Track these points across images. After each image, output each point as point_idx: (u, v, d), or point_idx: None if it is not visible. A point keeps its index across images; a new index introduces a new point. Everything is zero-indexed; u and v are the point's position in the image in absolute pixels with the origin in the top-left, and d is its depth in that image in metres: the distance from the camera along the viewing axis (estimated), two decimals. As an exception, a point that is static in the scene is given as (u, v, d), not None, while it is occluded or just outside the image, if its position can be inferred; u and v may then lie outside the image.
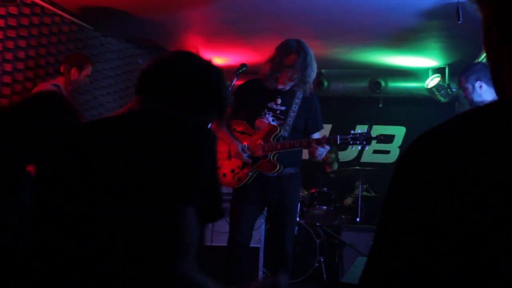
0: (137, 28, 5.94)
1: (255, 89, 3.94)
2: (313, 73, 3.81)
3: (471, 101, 4.02)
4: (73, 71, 4.52)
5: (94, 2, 5.07)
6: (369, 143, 3.77)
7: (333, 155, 7.22)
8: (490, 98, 3.73)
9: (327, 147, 3.74)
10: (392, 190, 0.78)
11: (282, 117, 3.86)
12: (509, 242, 0.66)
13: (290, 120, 3.86)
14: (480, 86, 3.92)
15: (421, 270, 0.72)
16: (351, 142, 3.74)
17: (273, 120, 3.87)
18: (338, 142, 3.75)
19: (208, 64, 1.76)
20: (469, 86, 3.96)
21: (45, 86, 4.34)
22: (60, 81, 4.50)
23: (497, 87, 0.87)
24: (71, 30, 5.38)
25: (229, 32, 5.95)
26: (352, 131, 3.77)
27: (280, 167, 3.79)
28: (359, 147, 3.80)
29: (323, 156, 3.82)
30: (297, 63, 3.71)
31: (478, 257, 0.68)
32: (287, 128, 3.85)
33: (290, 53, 3.74)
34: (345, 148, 7.94)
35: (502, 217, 0.67)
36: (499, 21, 0.82)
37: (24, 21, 4.70)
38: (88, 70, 4.64)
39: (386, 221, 0.79)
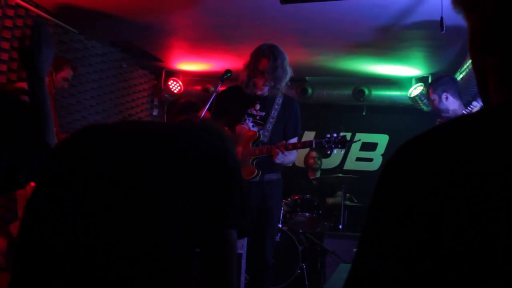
0: (122, 32, 5.91)
1: (235, 96, 3.95)
2: (284, 75, 3.81)
3: (438, 110, 4.37)
4: (49, 72, 4.41)
5: (78, 5, 5.04)
6: (344, 147, 3.81)
7: (319, 162, 7.27)
8: (454, 107, 4.25)
9: (286, 153, 3.73)
10: (377, 197, 0.79)
11: (262, 122, 3.88)
12: (499, 255, 0.67)
13: (270, 125, 3.88)
14: (446, 97, 4.26)
15: (404, 277, 0.72)
16: (326, 146, 3.80)
17: (253, 126, 3.89)
18: (314, 146, 3.80)
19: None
20: (436, 97, 4.31)
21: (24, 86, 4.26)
22: None
23: (482, 94, 0.88)
24: (55, 32, 5.34)
25: (214, 37, 5.95)
26: (328, 135, 3.82)
27: (258, 173, 3.80)
28: (335, 151, 3.84)
29: (280, 161, 3.77)
30: (268, 66, 3.74)
31: (466, 267, 0.68)
32: (266, 133, 3.87)
33: (262, 58, 3.77)
34: (328, 155, 7.98)
35: (492, 226, 0.67)
36: (483, 31, 0.83)
37: (8, 23, 4.66)
38: (66, 73, 4.53)
39: (370, 230, 0.79)
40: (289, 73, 3.84)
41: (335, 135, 3.81)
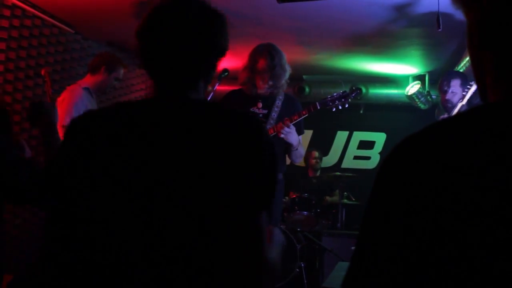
0: (119, 32, 5.90)
1: (238, 98, 3.96)
2: (283, 73, 3.84)
3: (449, 103, 4.23)
4: (103, 70, 4.41)
5: (75, 4, 5.03)
6: (347, 101, 4.02)
7: (320, 162, 7.29)
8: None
9: (292, 127, 3.78)
10: (375, 193, 0.79)
11: (264, 120, 3.89)
12: (497, 252, 0.67)
13: (272, 122, 3.89)
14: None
15: (403, 272, 0.72)
16: (330, 104, 3.99)
17: None
18: (318, 107, 3.91)
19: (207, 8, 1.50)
20: (459, 91, 4.21)
21: (75, 88, 4.31)
22: (88, 81, 4.43)
23: (481, 91, 0.88)
24: (52, 32, 5.33)
25: (211, 37, 5.94)
26: (329, 96, 4.04)
27: None
28: (340, 107, 4.00)
29: (286, 136, 3.78)
30: (266, 66, 3.76)
31: (462, 265, 0.68)
32: None
33: (259, 58, 3.80)
34: (326, 154, 7.99)
35: (490, 224, 0.67)
36: (481, 28, 0.83)
37: (5, 23, 4.65)
38: (118, 73, 4.49)
39: (368, 226, 0.79)
40: (288, 70, 3.87)
41: (335, 94, 4.03)
